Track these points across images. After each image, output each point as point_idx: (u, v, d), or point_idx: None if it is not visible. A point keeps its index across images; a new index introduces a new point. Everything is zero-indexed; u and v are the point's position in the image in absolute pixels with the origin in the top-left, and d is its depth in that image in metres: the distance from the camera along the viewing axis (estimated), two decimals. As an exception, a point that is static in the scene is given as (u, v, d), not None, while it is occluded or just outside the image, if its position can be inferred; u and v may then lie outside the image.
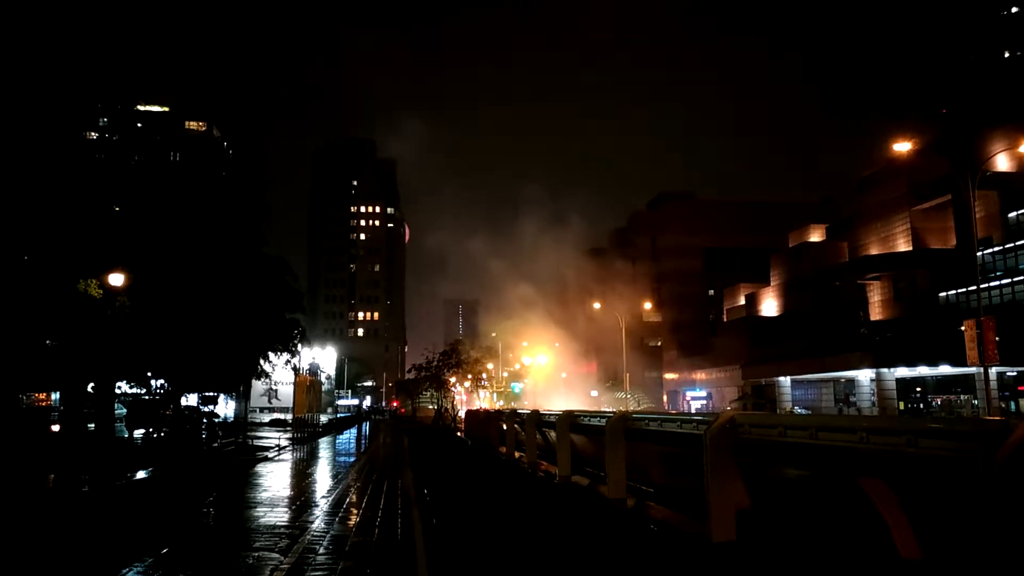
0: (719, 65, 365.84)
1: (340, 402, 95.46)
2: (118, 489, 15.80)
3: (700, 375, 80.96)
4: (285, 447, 28.93)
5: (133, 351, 24.48)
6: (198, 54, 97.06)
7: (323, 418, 57.96)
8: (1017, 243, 46.81)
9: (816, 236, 69.52)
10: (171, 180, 28.39)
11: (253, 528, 10.91)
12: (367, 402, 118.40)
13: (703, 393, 77.02)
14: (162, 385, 32.27)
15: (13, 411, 24.96)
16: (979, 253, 38.04)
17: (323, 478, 19.06)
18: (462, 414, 60.75)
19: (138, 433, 30.77)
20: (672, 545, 9.23)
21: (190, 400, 40.25)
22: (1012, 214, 47.68)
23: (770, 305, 71.69)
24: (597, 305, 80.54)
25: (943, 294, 50.99)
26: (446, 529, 10.52)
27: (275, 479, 18.23)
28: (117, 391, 31.29)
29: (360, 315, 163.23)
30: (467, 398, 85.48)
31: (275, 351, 34.05)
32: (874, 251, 58.36)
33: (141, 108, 29.32)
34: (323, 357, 78.15)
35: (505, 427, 24.20)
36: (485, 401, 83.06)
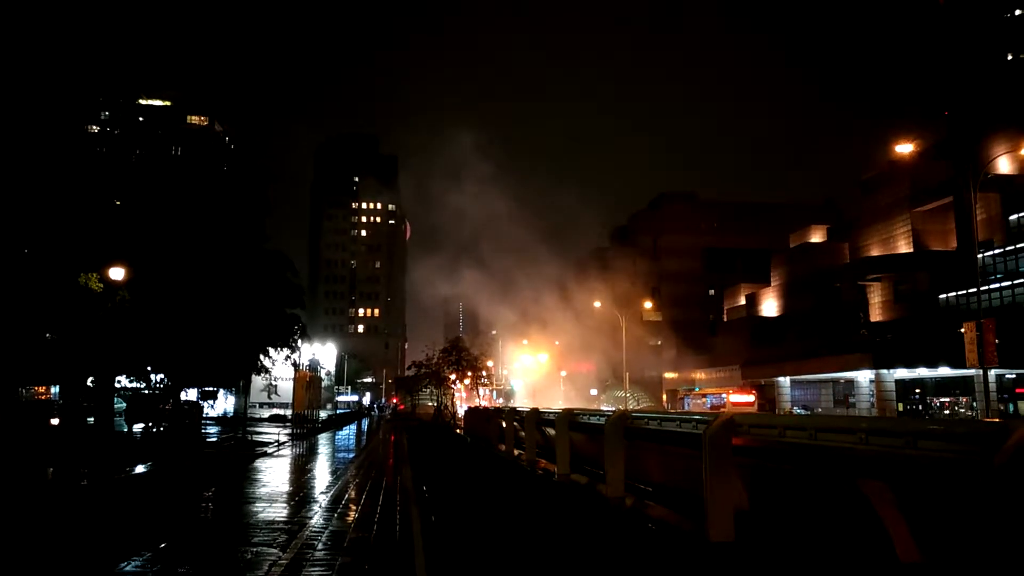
0: (721, 65, 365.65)
1: (340, 398, 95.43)
2: (117, 483, 15.81)
3: (700, 375, 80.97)
4: (284, 443, 28.95)
5: (133, 345, 24.50)
6: (201, 48, 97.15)
7: (323, 414, 57.95)
8: (1018, 246, 46.78)
9: (817, 237, 69.48)
10: (172, 174, 28.40)
11: (252, 523, 10.91)
12: (367, 399, 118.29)
13: (702, 393, 77.06)
14: (162, 380, 32.29)
15: (13, 404, 25.00)
16: (980, 255, 38.01)
17: (322, 474, 19.08)
18: (461, 411, 60.77)
19: (137, 427, 30.77)
20: (670, 544, 9.24)
21: (190, 395, 40.29)
22: (1013, 217, 47.67)
23: (770, 305, 71.70)
24: (597, 304, 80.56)
25: (943, 296, 50.96)
26: (445, 526, 10.52)
27: (274, 475, 18.25)
28: (117, 385, 31.32)
29: (360, 311, 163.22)
30: (467, 395, 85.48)
31: (275, 347, 34.05)
32: (875, 252, 58.34)
33: (143, 102, 29.38)
34: (323, 353, 78.11)
35: (504, 425, 24.21)
36: (484, 399, 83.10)
